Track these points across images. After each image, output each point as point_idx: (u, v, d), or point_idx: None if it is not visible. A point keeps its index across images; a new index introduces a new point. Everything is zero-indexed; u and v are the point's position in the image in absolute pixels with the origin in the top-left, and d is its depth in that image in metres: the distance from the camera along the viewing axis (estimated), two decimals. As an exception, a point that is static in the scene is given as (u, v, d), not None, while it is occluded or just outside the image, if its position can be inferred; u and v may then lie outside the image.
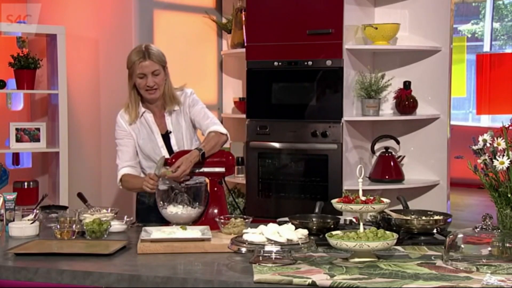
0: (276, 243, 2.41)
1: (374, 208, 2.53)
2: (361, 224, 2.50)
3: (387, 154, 4.56)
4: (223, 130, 3.30)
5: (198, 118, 3.36)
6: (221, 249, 2.58)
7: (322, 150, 4.42)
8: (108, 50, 4.79)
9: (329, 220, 2.91)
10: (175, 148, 3.31)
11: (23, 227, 2.89)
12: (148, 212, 3.30)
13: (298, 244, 2.42)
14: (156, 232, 2.72)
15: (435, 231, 2.77)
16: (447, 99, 4.62)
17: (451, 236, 2.44)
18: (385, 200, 2.56)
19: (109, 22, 4.77)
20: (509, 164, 2.51)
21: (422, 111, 4.61)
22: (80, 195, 3.36)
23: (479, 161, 2.62)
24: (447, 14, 4.58)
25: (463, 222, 4.92)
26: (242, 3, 4.86)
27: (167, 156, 3.20)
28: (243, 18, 4.82)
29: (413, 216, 2.87)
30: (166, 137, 3.34)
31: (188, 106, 3.38)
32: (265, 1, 4.61)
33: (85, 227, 2.85)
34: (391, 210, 2.86)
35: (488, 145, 2.61)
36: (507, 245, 2.36)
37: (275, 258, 2.37)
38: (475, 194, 7.93)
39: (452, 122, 5.37)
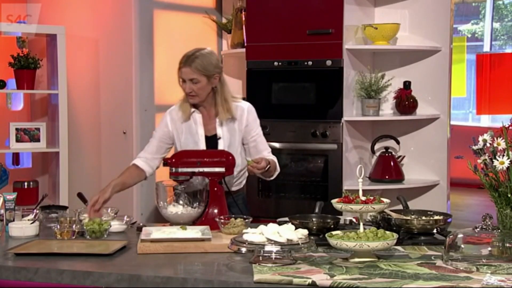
0: (276, 243, 2.41)
1: (374, 208, 2.53)
2: (361, 224, 2.50)
3: (387, 154, 4.56)
4: (276, 162, 3.38)
5: (256, 144, 3.38)
6: (221, 249, 2.58)
7: (322, 150, 4.43)
8: (108, 50, 4.79)
9: (329, 220, 2.90)
10: None
11: (23, 227, 2.88)
12: None
13: (298, 244, 2.42)
14: (156, 232, 2.72)
15: (435, 231, 2.77)
16: (447, 99, 4.62)
17: (451, 236, 2.44)
18: (385, 200, 2.56)
19: (109, 22, 4.77)
20: (509, 164, 2.51)
21: (422, 111, 4.61)
22: (80, 195, 3.36)
23: (479, 161, 2.61)
24: (447, 14, 4.58)
25: (463, 222, 4.92)
26: (242, 3, 4.86)
27: None
28: (243, 18, 4.82)
29: (413, 216, 2.87)
30: (211, 140, 3.33)
31: (246, 122, 3.35)
32: (265, 1, 4.61)
33: (85, 227, 2.85)
34: (391, 210, 2.86)
35: (488, 145, 2.61)
36: (507, 245, 2.36)
37: (275, 258, 2.37)
38: (475, 194, 7.93)
39: (452, 122, 5.37)
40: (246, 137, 3.37)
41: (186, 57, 3.26)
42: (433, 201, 4.50)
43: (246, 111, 3.37)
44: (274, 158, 3.39)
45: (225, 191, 3.13)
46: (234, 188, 3.37)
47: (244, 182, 3.47)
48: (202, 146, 3.31)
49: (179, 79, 3.28)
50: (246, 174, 3.45)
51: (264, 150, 3.40)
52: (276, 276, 2.20)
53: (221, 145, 3.32)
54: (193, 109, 3.34)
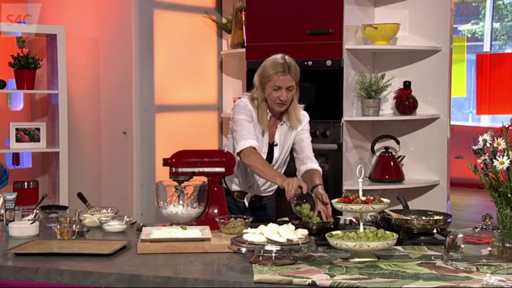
0: (276, 243, 2.41)
1: (374, 208, 2.53)
2: (361, 224, 2.50)
3: (387, 154, 4.56)
4: (320, 170, 3.34)
5: (303, 144, 3.37)
6: (221, 249, 2.58)
7: (322, 150, 4.42)
8: (108, 50, 4.79)
9: (329, 220, 2.91)
10: (275, 161, 3.33)
11: (23, 227, 2.88)
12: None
13: (298, 244, 2.42)
14: (156, 232, 2.72)
15: (435, 231, 2.77)
16: (447, 99, 4.62)
17: (451, 236, 2.44)
18: (385, 200, 2.56)
19: (109, 22, 4.77)
20: (509, 164, 2.51)
21: (422, 111, 4.61)
22: (80, 195, 3.36)
23: (479, 161, 2.62)
24: (447, 14, 4.58)
25: (463, 222, 4.92)
26: (242, 3, 4.86)
27: None
28: (243, 18, 4.82)
29: (413, 216, 2.87)
30: (270, 147, 3.34)
31: (302, 127, 3.38)
32: (265, 1, 4.61)
33: (300, 212, 2.89)
34: (391, 210, 2.86)
35: (488, 145, 2.61)
36: (507, 245, 2.36)
37: (275, 258, 2.37)
38: (475, 194, 7.94)
39: (452, 122, 5.37)
40: (298, 141, 3.39)
41: (281, 64, 3.18)
42: (433, 201, 4.50)
43: (306, 119, 3.39)
44: (317, 165, 3.35)
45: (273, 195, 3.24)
46: (269, 193, 3.45)
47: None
48: (264, 150, 3.29)
49: (272, 86, 3.18)
50: None
51: (308, 152, 3.38)
52: (276, 276, 2.20)
53: (276, 153, 3.34)
54: (269, 114, 3.30)
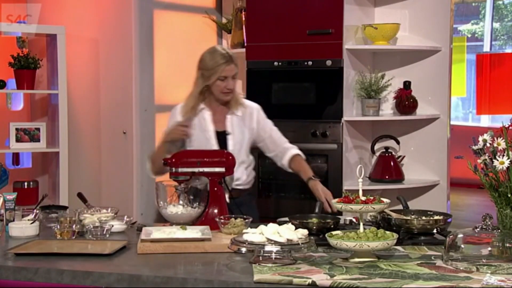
0: (276, 243, 2.41)
1: (374, 208, 2.53)
2: (361, 224, 2.50)
3: (387, 154, 4.56)
4: (301, 153, 3.46)
5: (273, 136, 3.47)
6: (221, 249, 2.58)
7: (322, 150, 4.42)
8: (108, 50, 4.79)
9: (329, 220, 2.91)
10: (230, 148, 3.33)
11: (23, 227, 2.88)
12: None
13: (298, 244, 2.42)
14: (156, 232, 2.72)
15: (435, 231, 2.77)
16: (447, 99, 4.62)
17: (451, 236, 2.44)
18: (385, 200, 2.56)
19: (109, 22, 4.77)
20: (509, 164, 2.51)
21: (422, 111, 4.61)
22: (80, 195, 3.36)
23: (479, 161, 2.62)
24: (447, 14, 4.59)
25: (463, 222, 4.93)
26: (242, 3, 4.86)
27: None
28: (243, 18, 4.82)
29: (413, 216, 2.87)
30: (221, 136, 3.37)
31: (257, 121, 3.44)
32: (265, 1, 4.61)
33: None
34: (391, 210, 2.86)
35: (488, 145, 2.61)
36: (507, 245, 2.36)
37: (275, 258, 2.37)
38: (475, 194, 7.94)
39: (452, 122, 5.37)
40: (260, 134, 3.45)
41: (224, 55, 3.28)
42: (433, 201, 4.50)
43: (255, 110, 3.47)
44: (298, 151, 3.46)
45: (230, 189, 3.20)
46: (245, 187, 3.43)
47: (253, 181, 3.51)
48: (213, 142, 3.34)
49: (218, 77, 3.27)
50: (254, 173, 3.51)
51: (284, 143, 3.49)
52: (276, 276, 2.20)
53: (231, 141, 3.36)
54: (202, 106, 3.36)
